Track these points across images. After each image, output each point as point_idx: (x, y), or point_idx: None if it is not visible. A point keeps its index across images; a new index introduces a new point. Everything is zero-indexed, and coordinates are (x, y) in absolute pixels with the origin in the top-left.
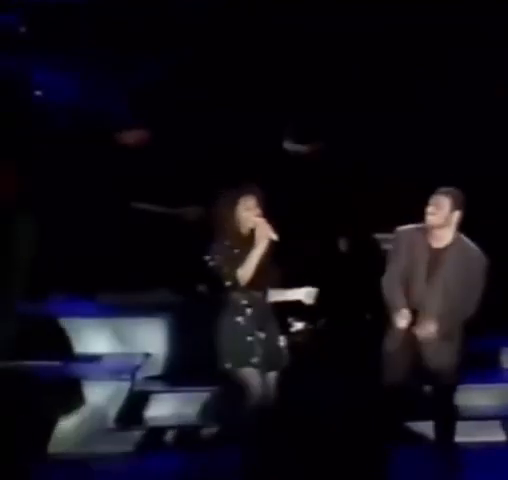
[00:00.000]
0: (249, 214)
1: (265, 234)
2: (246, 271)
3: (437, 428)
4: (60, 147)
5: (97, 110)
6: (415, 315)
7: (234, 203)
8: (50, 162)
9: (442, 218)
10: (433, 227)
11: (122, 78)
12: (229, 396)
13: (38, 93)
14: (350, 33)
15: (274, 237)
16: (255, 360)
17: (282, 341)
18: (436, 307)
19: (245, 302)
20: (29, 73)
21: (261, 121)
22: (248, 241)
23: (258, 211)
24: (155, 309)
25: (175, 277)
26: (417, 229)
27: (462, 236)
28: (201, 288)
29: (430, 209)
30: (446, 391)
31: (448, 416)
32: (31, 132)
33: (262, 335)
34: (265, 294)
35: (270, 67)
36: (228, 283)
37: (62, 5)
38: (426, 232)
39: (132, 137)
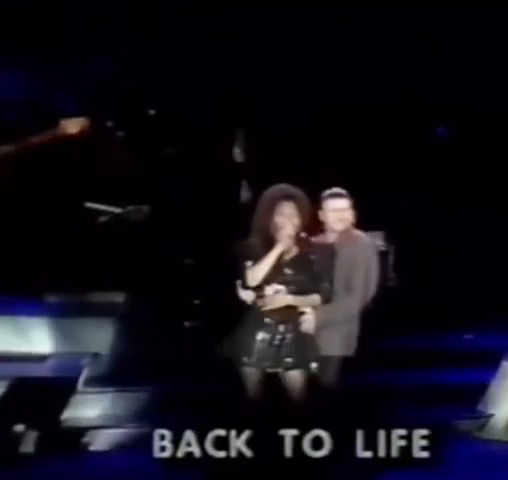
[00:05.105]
0: (282, 220)
1: (284, 238)
2: (255, 272)
3: None
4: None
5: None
6: None
7: (271, 206)
8: None
9: None
10: None
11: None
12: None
13: None
14: None
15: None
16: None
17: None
18: None
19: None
20: None
21: None
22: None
23: (296, 219)
24: (103, 309)
25: (123, 277)
26: None
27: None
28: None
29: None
30: None
31: None
32: None
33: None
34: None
35: None
36: (238, 283)
37: None
38: None
39: (74, 126)
